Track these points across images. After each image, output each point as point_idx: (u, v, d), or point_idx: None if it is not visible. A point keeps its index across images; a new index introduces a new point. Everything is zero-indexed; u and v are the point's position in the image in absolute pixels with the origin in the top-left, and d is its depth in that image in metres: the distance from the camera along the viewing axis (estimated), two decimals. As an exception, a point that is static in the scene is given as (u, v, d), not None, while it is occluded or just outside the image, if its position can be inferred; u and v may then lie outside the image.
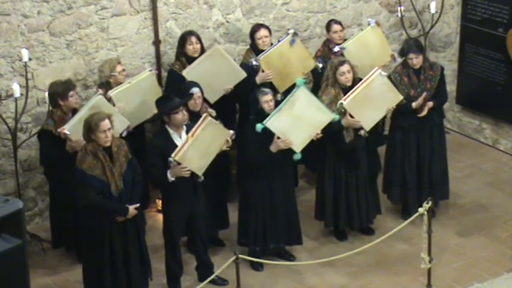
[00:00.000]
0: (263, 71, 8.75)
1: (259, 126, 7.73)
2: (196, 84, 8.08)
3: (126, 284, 7.45)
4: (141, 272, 7.58)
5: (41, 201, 9.03)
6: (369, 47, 9.01)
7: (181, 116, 7.57)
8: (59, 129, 7.79)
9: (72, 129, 7.71)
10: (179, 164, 7.43)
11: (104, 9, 8.87)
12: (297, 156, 7.95)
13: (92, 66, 8.93)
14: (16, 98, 8.13)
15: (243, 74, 8.77)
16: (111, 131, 7.22)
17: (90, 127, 7.11)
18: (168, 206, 7.80)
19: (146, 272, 7.65)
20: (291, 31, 8.96)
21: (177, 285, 7.94)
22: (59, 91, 8.00)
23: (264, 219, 8.11)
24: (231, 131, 7.87)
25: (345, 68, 8.22)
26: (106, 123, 7.14)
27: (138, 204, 7.34)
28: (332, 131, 8.11)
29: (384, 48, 9.13)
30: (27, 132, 8.62)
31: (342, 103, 8.08)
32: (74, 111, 8.05)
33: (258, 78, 8.76)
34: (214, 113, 8.11)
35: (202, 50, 8.85)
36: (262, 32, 8.97)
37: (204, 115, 7.68)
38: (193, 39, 8.80)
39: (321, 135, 8.02)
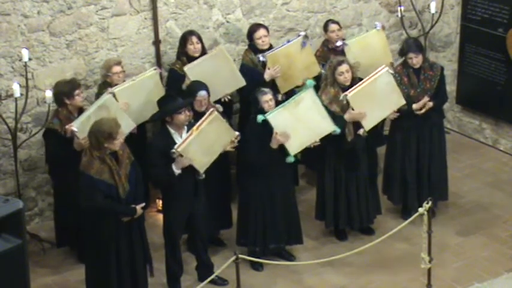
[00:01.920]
0: (269, 68, 8.76)
1: (260, 117, 7.73)
2: (204, 87, 8.01)
3: (130, 283, 7.46)
4: (144, 270, 7.60)
5: (41, 201, 9.03)
6: (370, 48, 9.03)
7: (184, 116, 7.56)
8: (66, 126, 7.80)
9: (80, 126, 7.72)
10: (182, 156, 7.42)
11: (104, 9, 8.87)
12: (290, 159, 7.95)
13: (92, 66, 8.93)
14: (16, 98, 8.13)
15: (243, 82, 8.74)
16: None
17: (111, 135, 7.03)
18: (168, 205, 7.80)
19: (146, 269, 7.64)
20: (302, 33, 8.96)
21: (177, 285, 7.94)
22: (65, 90, 8.01)
23: (263, 219, 8.11)
24: (237, 133, 7.86)
25: (343, 67, 8.22)
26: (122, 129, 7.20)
27: (144, 204, 7.36)
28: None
29: (384, 53, 9.12)
30: (27, 132, 8.60)
31: (346, 95, 8.06)
32: (80, 110, 8.07)
33: (267, 75, 8.76)
34: (221, 109, 8.09)
35: (203, 50, 8.85)
36: (262, 32, 8.96)
37: (210, 109, 7.66)
38: (194, 39, 8.79)
39: (318, 143, 8.03)
